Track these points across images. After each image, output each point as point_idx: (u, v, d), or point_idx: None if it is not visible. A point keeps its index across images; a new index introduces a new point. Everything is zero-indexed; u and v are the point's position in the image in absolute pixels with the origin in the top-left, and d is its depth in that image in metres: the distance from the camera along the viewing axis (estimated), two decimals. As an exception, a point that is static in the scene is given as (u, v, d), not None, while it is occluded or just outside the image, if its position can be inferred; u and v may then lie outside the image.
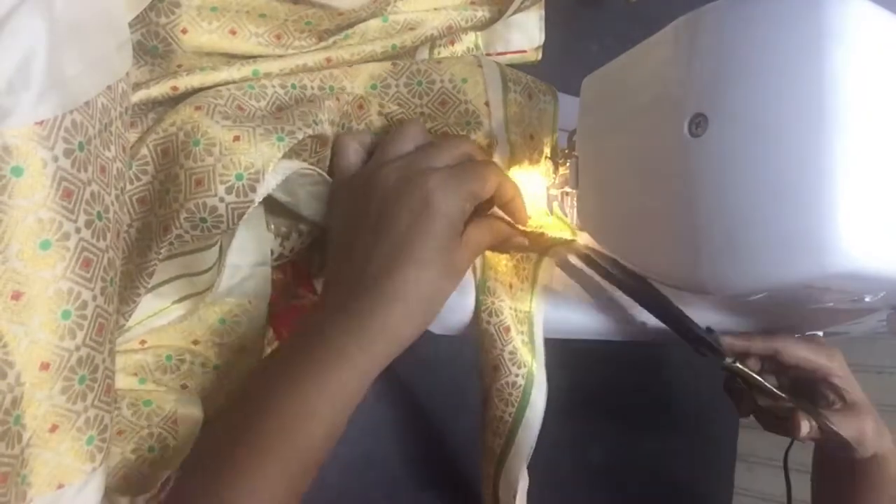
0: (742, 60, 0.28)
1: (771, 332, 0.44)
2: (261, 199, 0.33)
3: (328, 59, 0.39)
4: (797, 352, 0.43)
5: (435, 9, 0.42)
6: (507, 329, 0.38)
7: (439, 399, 0.51)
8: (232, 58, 0.38)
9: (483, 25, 0.45)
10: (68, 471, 0.26)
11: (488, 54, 0.48)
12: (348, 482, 0.47)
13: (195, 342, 0.38)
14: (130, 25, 0.33)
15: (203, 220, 0.32)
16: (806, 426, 0.40)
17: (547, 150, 0.42)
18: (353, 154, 0.37)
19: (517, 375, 0.37)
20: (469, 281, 0.40)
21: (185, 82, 0.35)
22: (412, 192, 0.32)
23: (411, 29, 0.41)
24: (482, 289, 0.39)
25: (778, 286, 0.28)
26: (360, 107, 0.39)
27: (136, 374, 0.37)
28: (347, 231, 0.34)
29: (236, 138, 0.33)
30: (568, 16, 0.56)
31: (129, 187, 0.33)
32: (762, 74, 0.27)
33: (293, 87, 0.38)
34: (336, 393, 0.30)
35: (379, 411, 0.48)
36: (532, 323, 0.39)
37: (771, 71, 0.27)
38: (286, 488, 0.29)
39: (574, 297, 0.42)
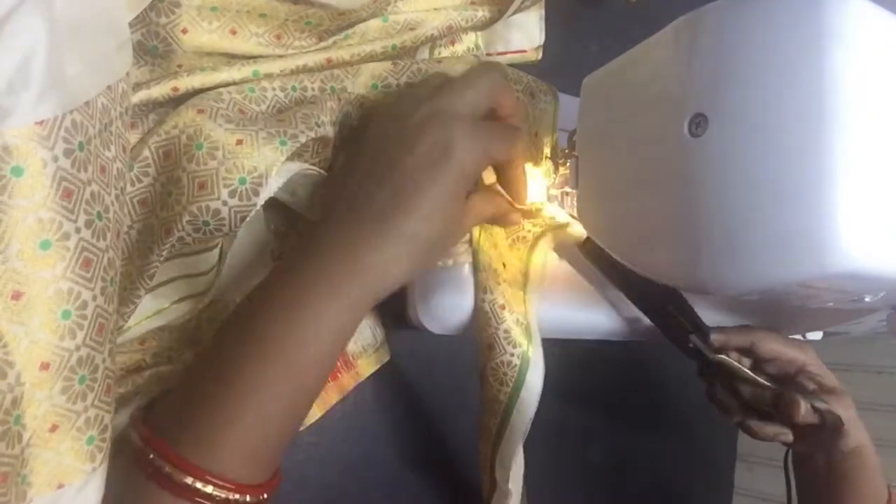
0: (742, 60, 0.28)
1: (746, 327, 0.44)
2: (263, 202, 0.33)
3: (328, 60, 0.39)
4: (773, 344, 0.43)
5: (435, 9, 0.42)
6: (503, 307, 0.38)
7: (439, 399, 0.51)
8: (232, 58, 0.38)
9: (483, 25, 0.45)
10: (68, 471, 0.26)
11: (488, 54, 0.48)
12: (348, 482, 0.47)
13: (195, 342, 0.38)
14: (130, 25, 0.33)
15: (206, 223, 0.32)
16: (803, 406, 0.40)
17: (547, 150, 0.42)
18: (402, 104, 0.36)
19: (512, 355, 0.37)
20: (468, 281, 0.40)
21: (185, 83, 0.35)
22: (435, 133, 0.31)
23: (411, 29, 0.41)
24: (479, 266, 0.39)
25: (778, 286, 0.28)
26: (362, 105, 0.39)
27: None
28: (362, 157, 0.33)
29: (239, 142, 0.33)
30: (568, 16, 0.56)
31: (130, 189, 0.33)
32: (762, 74, 0.27)
33: (293, 88, 0.38)
34: (329, 324, 0.29)
35: (379, 411, 0.48)
36: (527, 305, 0.39)
37: (771, 71, 0.27)
38: (280, 419, 0.29)
39: (573, 297, 0.42)
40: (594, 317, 0.42)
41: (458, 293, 0.40)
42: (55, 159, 0.25)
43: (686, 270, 0.30)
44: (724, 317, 0.44)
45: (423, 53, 0.45)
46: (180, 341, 0.38)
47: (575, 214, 0.39)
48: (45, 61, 0.25)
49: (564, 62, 0.52)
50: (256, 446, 0.29)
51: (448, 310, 0.40)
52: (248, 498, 0.28)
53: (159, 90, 0.34)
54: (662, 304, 0.39)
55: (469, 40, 0.47)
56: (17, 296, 0.24)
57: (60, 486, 0.26)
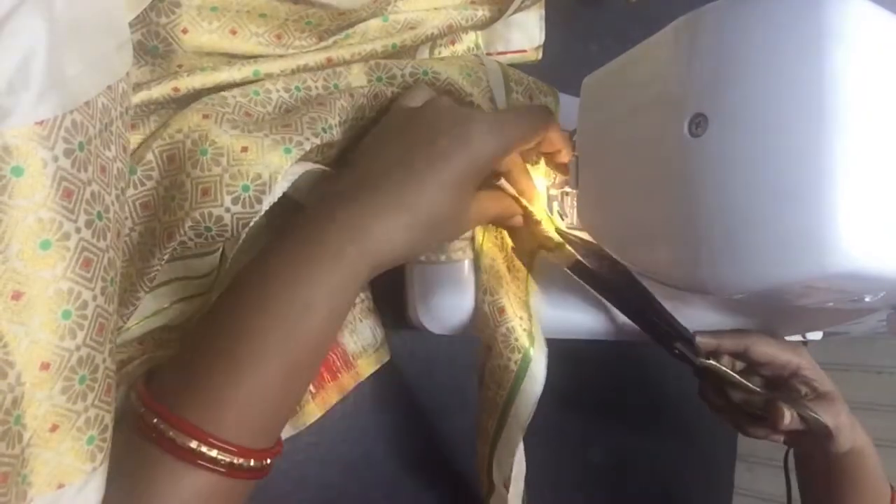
0: (742, 60, 0.28)
1: (740, 330, 0.44)
2: (266, 208, 0.33)
3: (329, 59, 0.39)
4: (767, 348, 0.43)
5: (435, 8, 0.43)
6: (503, 310, 0.38)
7: (439, 399, 0.51)
8: (232, 58, 0.38)
9: (483, 25, 0.45)
10: (68, 470, 0.26)
11: (489, 54, 0.49)
12: (348, 482, 0.47)
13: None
14: (131, 25, 0.33)
15: (208, 228, 0.32)
16: (788, 415, 0.40)
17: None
18: (420, 98, 0.37)
19: (509, 359, 0.37)
20: (468, 280, 0.40)
21: (186, 83, 0.35)
22: (458, 119, 0.33)
23: (412, 28, 0.41)
24: (481, 268, 0.39)
25: (778, 286, 0.28)
26: (376, 97, 0.39)
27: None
28: (380, 141, 0.34)
29: (244, 149, 0.33)
30: (568, 16, 0.56)
31: (132, 192, 0.33)
32: (762, 74, 0.27)
33: (297, 89, 0.38)
34: (333, 290, 0.29)
35: (379, 411, 0.48)
36: (531, 307, 0.39)
37: (771, 71, 0.27)
38: (281, 386, 0.29)
39: (573, 297, 0.42)
40: (594, 317, 0.42)
41: (458, 293, 0.40)
42: (55, 159, 0.25)
43: (686, 270, 0.30)
44: (723, 317, 0.44)
45: (424, 53, 0.45)
46: (180, 341, 0.38)
47: (575, 216, 0.39)
48: (45, 61, 0.25)
49: (564, 62, 0.52)
50: (259, 415, 0.28)
51: (448, 310, 0.40)
52: (251, 462, 0.28)
53: (160, 90, 0.34)
54: (643, 311, 0.39)
55: (469, 40, 0.47)
56: (17, 296, 0.24)
57: (61, 486, 0.26)
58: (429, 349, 0.51)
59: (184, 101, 0.35)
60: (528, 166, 0.40)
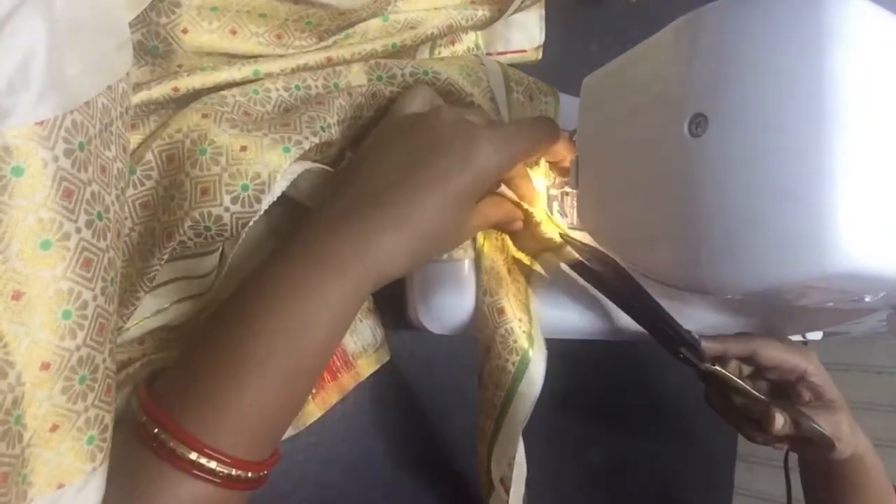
0: (742, 60, 0.28)
1: (747, 334, 0.44)
2: (266, 207, 0.33)
3: (329, 59, 0.39)
4: (774, 352, 0.43)
5: (435, 8, 0.43)
6: (502, 311, 0.38)
7: (439, 399, 0.51)
8: (232, 58, 0.38)
9: (483, 25, 0.45)
10: (69, 470, 0.26)
11: (489, 54, 0.49)
12: (348, 482, 0.47)
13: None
14: (131, 25, 0.33)
15: (207, 228, 0.32)
16: (781, 420, 0.40)
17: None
18: (422, 101, 0.37)
19: (507, 360, 0.37)
20: (468, 280, 0.40)
21: (185, 83, 0.35)
22: (462, 135, 0.32)
23: (412, 28, 0.41)
24: (482, 269, 0.39)
25: (778, 286, 0.28)
26: (374, 96, 0.39)
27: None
28: (381, 150, 0.34)
29: (243, 148, 0.33)
30: (568, 16, 0.56)
31: (132, 191, 0.33)
32: (762, 74, 0.27)
33: (297, 88, 0.38)
34: (335, 305, 0.30)
35: (379, 411, 0.48)
36: (531, 309, 0.39)
37: (771, 71, 0.27)
38: (282, 398, 0.29)
39: (573, 297, 0.42)
40: (594, 317, 0.42)
41: (458, 293, 0.40)
42: (55, 159, 0.25)
43: (686, 270, 0.30)
44: (724, 317, 0.44)
45: (424, 53, 0.45)
46: (179, 341, 0.38)
47: (575, 216, 0.39)
48: (45, 61, 0.25)
49: (564, 62, 0.52)
50: (259, 425, 0.29)
51: (448, 310, 0.40)
52: (249, 474, 0.28)
53: (160, 90, 0.34)
54: (654, 319, 0.39)
55: (469, 40, 0.47)
56: (17, 296, 0.24)
57: (61, 486, 0.26)
58: (429, 349, 0.51)
59: (184, 101, 0.35)
60: (528, 167, 0.40)
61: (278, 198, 0.36)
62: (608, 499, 0.65)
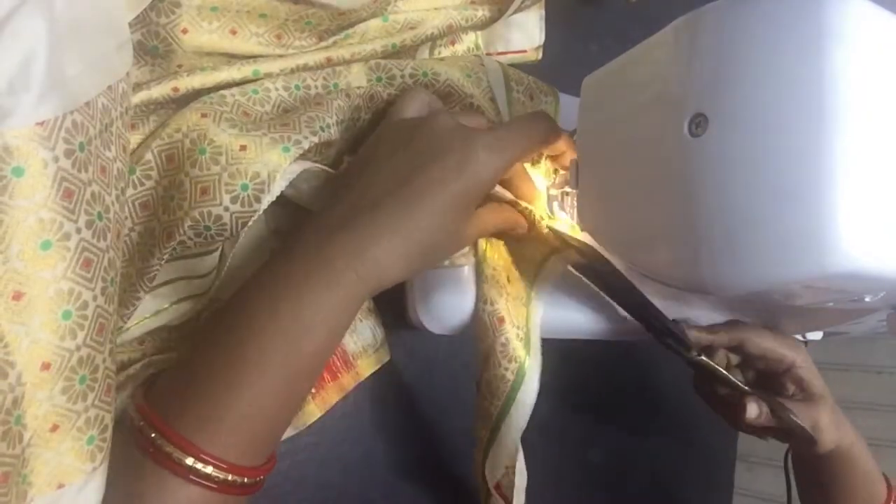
0: (742, 60, 0.28)
1: (737, 323, 0.44)
2: (265, 207, 0.33)
3: (328, 59, 0.39)
4: (762, 342, 0.43)
5: (435, 8, 0.43)
6: (502, 320, 0.38)
7: (439, 399, 0.51)
8: (232, 58, 0.38)
9: (483, 25, 0.45)
10: (69, 470, 0.26)
11: (488, 54, 0.49)
12: (348, 482, 0.47)
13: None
14: (131, 25, 0.33)
15: (207, 227, 0.32)
16: (754, 409, 0.40)
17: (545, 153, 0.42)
18: (419, 105, 0.37)
19: (506, 369, 0.37)
20: (469, 281, 0.40)
21: (185, 83, 0.35)
22: (458, 141, 0.32)
23: (412, 28, 0.41)
24: (483, 277, 0.39)
25: (778, 286, 0.28)
26: (372, 98, 0.39)
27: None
28: (377, 156, 0.33)
29: (243, 147, 0.33)
30: (568, 16, 0.56)
31: (131, 192, 0.33)
32: (762, 74, 0.27)
33: (297, 87, 0.38)
34: (331, 313, 0.30)
35: (378, 411, 0.48)
36: (529, 318, 0.39)
37: (771, 71, 0.27)
38: (278, 405, 0.29)
39: (573, 297, 0.42)
40: (594, 317, 0.42)
41: (458, 293, 0.40)
42: (56, 160, 0.25)
43: (686, 270, 0.30)
44: (724, 317, 0.44)
45: (424, 53, 0.45)
46: (179, 341, 0.38)
47: (575, 217, 0.39)
48: (45, 62, 0.25)
49: (564, 62, 0.52)
50: (254, 430, 0.29)
51: (448, 310, 0.40)
52: (245, 479, 0.29)
53: (159, 90, 0.34)
54: (642, 310, 0.39)
55: (469, 40, 0.47)
56: (17, 296, 0.24)
57: (61, 486, 0.26)
58: (429, 349, 0.51)
59: (183, 101, 0.35)
60: (528, 166, 0.40)
61: (278, 197, 0.36)
62: (608, 499, 0.65)
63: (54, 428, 0.26)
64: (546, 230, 0.38)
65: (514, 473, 0.40)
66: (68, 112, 0.26)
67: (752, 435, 0.45)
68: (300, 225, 0.32)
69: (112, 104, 0.29)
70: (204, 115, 0.34)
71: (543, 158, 0.42)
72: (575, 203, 0.39)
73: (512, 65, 0.46)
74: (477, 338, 0.38)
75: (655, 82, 0.32)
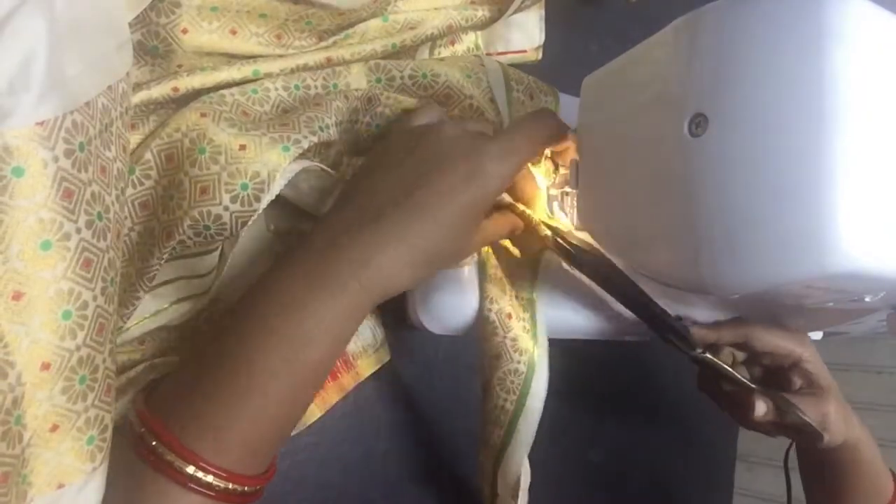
0: (742, 60, 0.28)
1: (742, 320, 0.43)
2: (265, 206, 0.33)
3: (328, 59, 0.39)
4: (768, 338, 0.43)
5: (435, 8, 0.43)
6: (509, 316, 0.38)
7: (439, 399, 0.51)
8: (232, 58, 0.38)
9: (483, 25, 0.45)
10: (69, 470, 0.26)
11: (488, 54, 0.49)
12: (348, 482, 0.47)
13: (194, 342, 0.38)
14: (131, 25, 0.33)
15: (207, 227, 0.32)
16: (762, 406, 0.40)
17: (547, 150, 0.42)
18: (427, 118, 0.36)
19: (518, 362, 0.37)
20: (470, 281, 0.40)
21: (185, 83, 0.35)
22: (465, 151, 0.32)
23: (411, 28, 0.41)
24: (485, 277, 0.39)
25: (778, 286, 0.28)
26: (370, 100, 0.39)
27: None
28: (384, 164, 0.33)
29: (242, 147, 0.33)
30: (568, 16, 0.56)
31: (131, 191, 0.33)
32: (762, 74, 0.27)
33: (296, 87, 0.38)
34: (334, 323, 0.29)
35: (379, 412, 0.48)
36: (534, 310, 0.39)
37: (771, 71, 0.27)
38: (280, 414, 0.29)
39: (574, 298, 0.42)
40: (595, 317, 0.42)
41: (458, 294, 0.40)
42: (56, 160, 0.25)
43: (686, 270, 0.30)
44: (724, 317, 0.44)
45: (424, 53, 0.45)
46: (180, 341, 0.38)
47: (575, 217, 0.39)
48: (45, 61, 0.25)
49: (564, 62, 0.52)
50: (256, 440, 0.29)
51: (448, 310, 0.40)
52: (245, 488, 0.29)
53: (159, 90, 0.34)
54: (646, 309, 0.39)
55: (469, 40, 0.47)
56: (17, 296, 0.24)
57: (61, 486, 0.26)
58: (429, 349, 0.51)
59: (183, 101, 0.35)
60: (529, 164, 0.40)
61: (277, 198, 0.36)
62: (608, 499, 0.65)
63: (54, 428, 0.26)
64: (546, 232, 0.38)
65: (521, 474, 0.40)
66: (68, 112, 0.26)
67: (758, 432, 0.45)
68: (305, 232, 0.32)
69: (112, 104, 0.29)
70: (203, 115, 0.34)
71: (544, 158, 0.42)
72: (575, 203, 0.39)
73: (512, 65, 0.46)
74: (484, 338, 0.38)
75: (655, 82, 0.32)
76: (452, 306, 0.40)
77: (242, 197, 0.32)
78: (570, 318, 0.42)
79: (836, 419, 0.42)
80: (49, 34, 0.25)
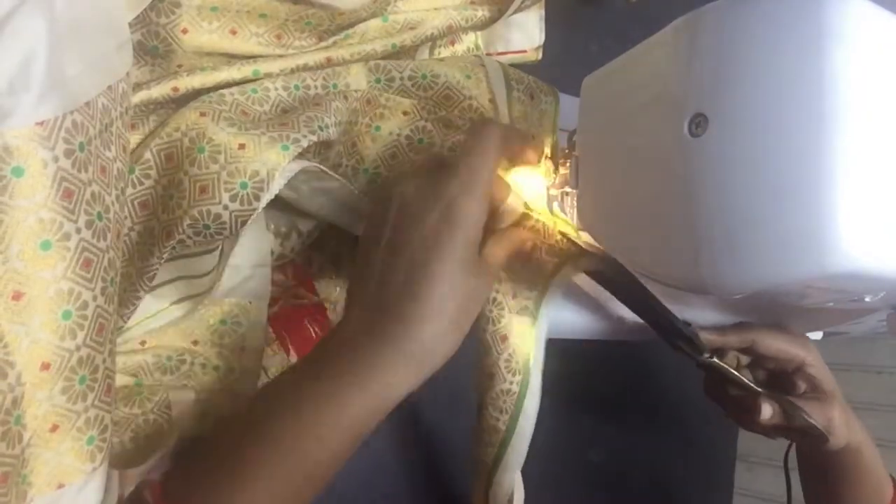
0: (742, 60, 0.28)
1: (747, 324, 0.43)
2: (264, 206, 0.33)
3: (328, 59, 0.39)
4: (772, 342, 0.43)
5: (435, 8, 0.43)
6: (504, 338, 0.38)
7: (439, 400, 0.51)
8: (232, 58, 0.38)
9: (483, 25, 0.45)
10: (69, 471, 0.26)
11: (488, 54, 0.49)
12: (348, 483, 0.47)
13: (195, 342, 0.38)
14: (131, 25, 0.33)
15: (206, 226, 0.32)
16: (768, 410, 0.40)
17: (547, 150, 0.42)
18: (385, 190, 0.35)
19: (511, 382, 0.37)
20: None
21: (185, 83, 0.35)
22: (433, 206, 0.31)
23: (411, 28, 0.41)
24: (487, 298, 0.39)
25: (778, 286, 0.28)
26: (369, 102, 0.39)
27: (134, 376, 0.37)
28: (373, 255, 0.32)
29: (242, 146, 0.33)
30: (568, 16, 0.56)
31: (131, 191, 0.33)
32: (762, 74, 0.27)
33: (296, 87, 0.38)
34: (347, 425, 0.30)
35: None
36: (537, 327, 0.39)
37: (771, 71, 0.27)
38: (293, 498, 0.29)
39: (574, 298, 0.42)
40: (595, 317, 0.42)
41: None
42: (56, 160, 0.25)
43: (686, 270, 0.30)
44: (725, 317, 0.44)
45: (424, 53, 0.45)
46: (179, 342, 0.38)
47: (575, 217, 0.39)
48: (45, 62, 0.25)
49: (564, 62, 0.52)
50: None
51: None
52: None
53: (159, 90, 0.34)
54: (653, 314, 0.38)
55: (469, 40, 0.47)
56: (17, 296, 0.24)
57: (61, 486, 0.26)
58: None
59: (183, 101, 0.35)
60: (528, 166, 0.39)
61: (279, 200, 0.36)
62: (608, 499, 0.65)
63: (54, 428, 0.26)
64: (559, 237, 0.38)
65: (514, 489, 0.39)
66: (68, 112, 0.26)
67: (763, 435, 0.45)
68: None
69: (112, 104, 0.29)
70: (203, 114, 0.34)
71: (544, 158, 0.42)
72: (575, 203, 0.39)
73: (512, 65, 0.46)
74: (478, 358, 0.39)
75: (655, 82, 0.32)
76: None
77: (242, 196, 0.32)
78: (572, 318, 0.42)
79: (839, 422, 0.42)
80: (49, 34, 0.25)
